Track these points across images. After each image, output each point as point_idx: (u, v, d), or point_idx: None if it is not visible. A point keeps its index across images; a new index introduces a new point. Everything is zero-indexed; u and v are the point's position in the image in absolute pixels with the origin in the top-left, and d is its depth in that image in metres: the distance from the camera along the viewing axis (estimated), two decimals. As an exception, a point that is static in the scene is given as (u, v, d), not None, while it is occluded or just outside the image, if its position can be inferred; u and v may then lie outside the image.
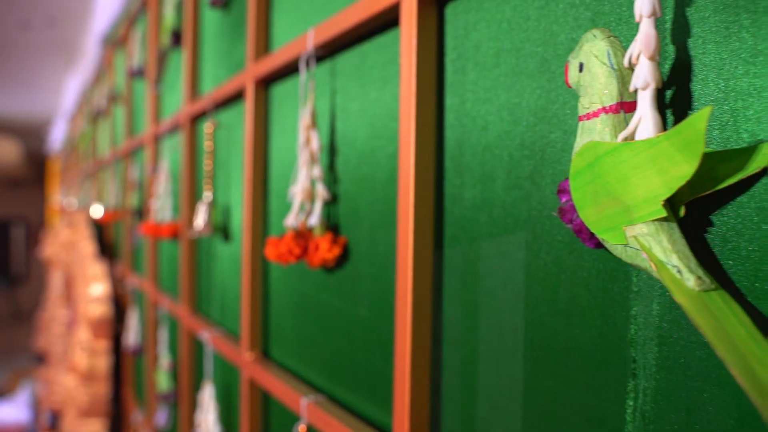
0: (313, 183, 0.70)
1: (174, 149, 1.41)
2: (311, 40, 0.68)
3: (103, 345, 1.97)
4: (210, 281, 1.15)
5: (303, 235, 0.68)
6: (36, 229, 8.29)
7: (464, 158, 0.51)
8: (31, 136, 6.55)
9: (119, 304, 2.09)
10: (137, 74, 1.74)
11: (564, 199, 0.38)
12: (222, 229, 1.04)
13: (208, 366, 1.03)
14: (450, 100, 0.53)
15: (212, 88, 1.10)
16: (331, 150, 0.71)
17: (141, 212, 1.77)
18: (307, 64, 0.71)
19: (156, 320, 1.56)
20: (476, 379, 0.50)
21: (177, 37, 1.36)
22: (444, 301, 0.53)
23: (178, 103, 1.40)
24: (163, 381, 1.39)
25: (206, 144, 1.04)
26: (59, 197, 5.36)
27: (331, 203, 0.71)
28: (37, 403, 3.92)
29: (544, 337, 0.43)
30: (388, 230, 0.60)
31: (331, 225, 0.70)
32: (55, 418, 2.60)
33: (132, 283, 1.86)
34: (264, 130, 0.88)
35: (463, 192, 0.51)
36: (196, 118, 1.22)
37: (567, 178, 0.38)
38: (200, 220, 1.03)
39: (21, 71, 4.17)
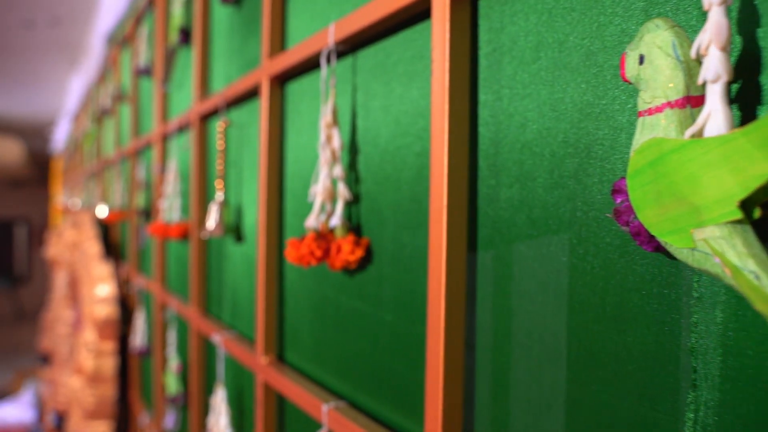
0: (334, 182, 0.68)
1: (183, 148, 1.39)
2: (332, 35, 0.66)
3: (109, 346, 1.95)
4: (221, 283, 1.13)
5: (324, 236, 0.66)
6: (39, 229, 8.28)
7: (500, 157, 0.49)
8: (34, 136, 6.53)
9: (125, 305, 2.07)
10: (144, 73, 1.72)
11: (619, 200, 0.36)
12: (234, 230, 1.02)
13: (220, 369, 1.01)
14: (484, 96, 0.51)
15: (224, 86, 1.08)
16: (352, 148, 0.69)
17: (148, 212, 1.75)
18: (328, 60, 0.69)
19: (164, 322, 1.53)
20: (513, 387, 0.48)
21: (186, 35, 1.34)
22: (477, 306, 0.51)
23: (186, 102, 1.38)
24: (171, 383, 1.37)
25: (218, 143, 1.02)
26: (62, 197, 5.34)
27: (352, 203, 0.69)
28: (41, 404, 3.91)
29: (591, 344, 0.41)
30: (416, 232, 0.58)
31: (353, 226, 0.68)
32: (61, 420, 2.58)
33: (138, 284, 1.84)
34: (279, 129, 0.86)
35: (499, 192, 0.49)
36: (206, 117, 1.19)
37: (623, 177, 0.36)
38: (212, 220, 1.01)
39: (24, 71, 4.15)
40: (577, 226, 0.42)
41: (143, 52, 1.73)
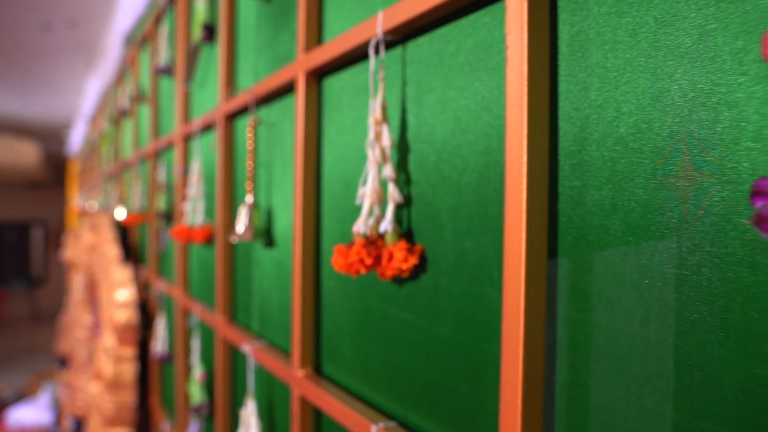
0: (383, 184, 0.63)
1: (210, 149, 1.34)
2: (381, 24, 0.61)
3: (129, 352, 1.91)
4: (249, 289, 1.08)
5: (373, 242, 0.60)
6: (55, 231, 8.32)
7: (586, 155, 0.43)
8: (50, 138, 6.55)
9: (145, 310, 2.04)
10: (164, 72, 1.68)
11: (760, 203, 0.30)
12: (264, 234, 0.97)
13: (250, 381, 0.96)
14: (565, 87, 0.45)
15: (253, 84, 1.03)
16: (403, 147, 0.63)
17: (169, 215, 1.70)
18: (376, 51, 0.63)
19: (187, 328, 1.49)
20: (603, 417, 0.42)
21: (210, 32, 1.30)
22: (558, 323, 0.45)
23: (209, 101, 1.33)
24: (195, 393, 1.32)
25: (248, 143, 0.97)
26: (79, 199, 5.34)
27: (402, 207, 0.63)
28: (59, 406, 3.90)
29: (709, 372, 0.35)
30: (479, 239, 0.52)
31: (403, 231, 0.63)
32: (79, 425, 2.55)
33: (159, 289, 1.80)
34: (316, 127, 0.81)
35: (585, 194, 0.43)
36: (233, 116, 1.15)
37: (765, 178, 0.30)
38: (242, 224, 0.96)
39: (41, 73, 4.14)
40: (689, 233, 0.37)
41: (163, 50, 1.69)
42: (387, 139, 0.60)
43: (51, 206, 8.26)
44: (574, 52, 0.44)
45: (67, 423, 2.98)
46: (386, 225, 0.60)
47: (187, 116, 1.51)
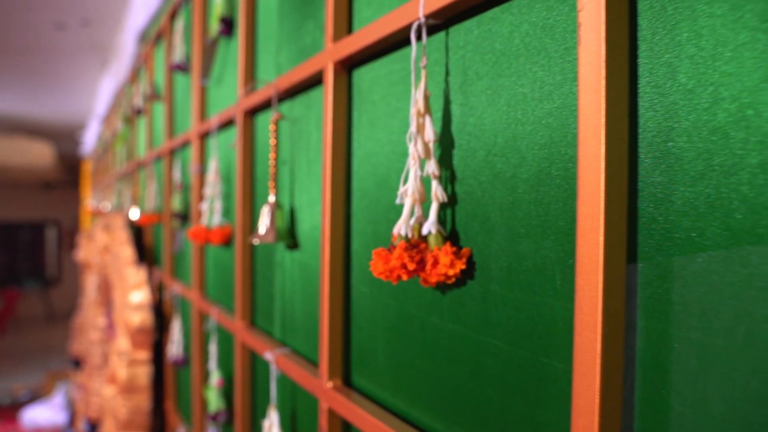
0: (425, 182, 0.57)
1: (230, 146, 1.29)
2: (422, 7, 0.56)
3: (144, 355, 1.87)
4: (270, 294, 1.03)
5: (416, 245, 0.55)
6: (69, 231, 8.35)
7: (673, 147, 0.38)
8: (64, 139, 6.56)
9: (160, 312, 2.00)
10: (179, 69, 1.63)
11: None
12: (287, 235, 0.92)
13: (273, 390, 0.91)
14: (647, 69, 0.39)
15: (274, 78, 0.98)
16: (446, 141, 0.58)
17: (184, 215, 1.66)
18: (418, 37, 0.58)
19: (203, 333, 1.45)
20: (697, 447, 0.36)
21: (228, 25, 1.25)
22: (638, 339, 0.40)
23: (226, 97, 1.29)
24: (212, 399, 1.27)
25: (271, 140, 0.92)
26: (92, 200, 5.34)
27: (445, 207, 0.58)
28: (73, 406, 3.88)
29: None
30: (539, 241, 0.47)
31: (448, 234, 0.57)
32: (93, 428, 2.52)
33: (174, 291, 1.76)
34: (346, 121, 0.76)
35: (673, 192, 0.38)
36: (253, 112, 1.10)
37: None
38: (264, 225, 0.91)
39: (55, 73, 4.14)
40: (812, 238, 0.31)
41: (179, 46, 1.65)
42: (430, 133, 0.55)
43: (65, 207, 8.30)
44: (658, 28, 0.39)
45: (81, 425, 2.96)
46: (430, 226, 0.55)
47: (203, 113, 1.46)
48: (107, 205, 3.88)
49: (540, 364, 0.47)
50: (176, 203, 1.68)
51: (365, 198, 0.73)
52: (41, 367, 5.62)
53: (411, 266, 0.53)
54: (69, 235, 8.30)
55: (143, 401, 1.88)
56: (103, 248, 2.72)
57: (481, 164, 0.53)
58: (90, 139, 5.41)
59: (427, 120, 0.55)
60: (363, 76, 0.74)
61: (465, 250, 0.54)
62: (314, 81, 0.84)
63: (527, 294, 0.48)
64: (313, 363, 0.85)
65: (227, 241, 1.25)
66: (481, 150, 0.53)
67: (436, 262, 0.53)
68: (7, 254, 8.29)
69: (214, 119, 1.27)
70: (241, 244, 1.11)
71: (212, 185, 1.28)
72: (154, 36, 2.11)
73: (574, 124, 0.44)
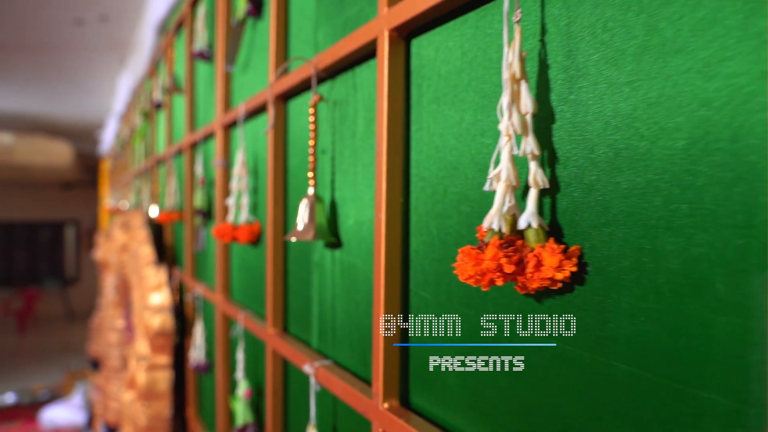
0: (519, 163, 0.46)
1: (264, 132, 1.19)
2: (515, -55, 0.45)
3: (164, 360, 1.78)
4: (306, 298, 0.93)
5: (511, 242, 0.44)
6: (88, 230, 8.35)
7: None
8: (83, 138, 6.54)
9: (181, 314, 1.90)
10: (201, 57, 1.54)
11: None
12: (328, 232, 0.82)
13: (313, 409, 0.81)
14: None
15: (314, 56, 0.87)
16: (544, 113, 0.47)
17: (207, 212, 1.56)
18: (509, -16, 0.47)
19: (227, 338, 1.35)
20: None
21: (256, 5, 1.15)
22: None
23: (254, 84, 1.18)
24: (240, 411, 1.17)
25: (310, 125, 0.81)
26: (110, 198, 5.29)
27: (543, 195, 0.47)
28: (91, 407, 3.82)
29: None
30: (691, 236, 0.36)
31: (546, 227, 0.46)
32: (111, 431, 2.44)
33: (196, 293, 1.66)
34: (404, 98, 0.65)
35: None
36: (286, 97, 0.99)
37: None
38: (302, 220, 0.81)
39: (74, 70, 4.09)
40: None
41: (201, 33, 1.55)
42: (528, 102, 0.44)
43: (84, 206, 8.29)
44: None
45: (100, 428, 2.89)
46: (529, 218, 0.44)
47: (228, 103, 1.36)
48: (126, 204, 3.81)
49: (690, 396, 0.36)
50: (198, 199, 1.58)
51: (428, 188, 0.62)
52: (60, 367, 5.59)
53: (509, 268, 0.42)
54: (88, 235, 8.30)
55: (163, 408, 1.78)
56: (122, 247, 2.64)
57: (596, 140, 0.42)
58: (108, 138, 5.37)
59: (524, 87, 0.44)
60: (425, 45, 0.63)
61: (574, 249, 0.43)
62: (362, 56, 0.74)
63: (669, 304, 0.37)
64: (362, 379, 0.74)
65: (256, 240, 1.15)
66: (597, 122, 0.42)
67: (539, 264, 0.42)
68: (27, 254, 8.31)
69: (241, 107, 1.17)
70: (272, 243, 1.01)
71: (239, 179, 1.17)
72: (174, 26, 2.02)
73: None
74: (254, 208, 1.18)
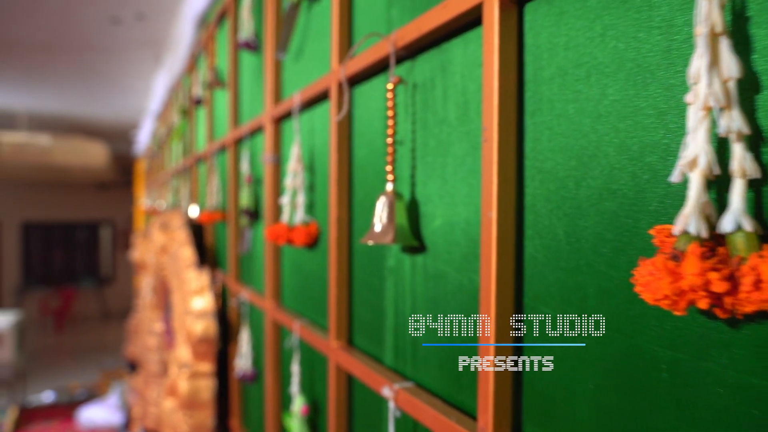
0: (713, 143, 0.35)
1: (308, 129, 1.10)
2: None
3: (207, 367, 1.70)
4: (379, 308, 0.82)
5: (712, 249, 0.33)
6: (123, 231, 8.43)
7: None
8: (119, 139, 6.58)
9: (224, 319, 1.83)
10: (248, 47, 1.45)
11: None
12: (410, 235, 0.71)
13: (391, 434, 0.71)
14: None
15: (393, 31, 0.77)
16: (749, 81, 0.35)
17: (255, 212, 1.48)
18: None
19: (278, 347, 1.25)
20: None
21: (313, -14, 1.05)
22: None
23: (308, 73, 1.09)
24: (295, 429, 1.08)
25: (389, 111, 0.71)
26: (146, 199, 5.29)
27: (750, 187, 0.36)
28: (128, 408, 3.80)
29: None
30: None
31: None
32: (150, 439, 2.38)
33: (242, 298, 1.58)
34: (516, 73, 0.54)
35: None
36: (353, 82, 0.89)
37: None
38: (380, 221, 0.71)
39: (110, 70, 4.08)
40: None
41: (247, 22, 1.47)
42: (732, 66, 0.33)
43: (119, 207, 8.37)
44: None
45: (137, 429, 2.84)
46: (737, 217, 0.33)
47: (278, 94, 1.27)
48: (162, 204, 3.78)
49: None
50: (244, 198, 1.49)
51: (550, 182, 0.51)
52: (96, 365, 5.62)
53: (719, 286, 0.31)
54: (123, 235, 8.38)
55: (206, 418, 1.71)
56: (160, 248, 2.59)
57: (843, 111, 0.31)
58: (143, 139, 5.37)
59: (725, 44, 0.33)
60: (543, 10, 0.52)
61: (808, 260, 0.32)
62: (456, 27, 0.63)
63: None
64: (459, 407, 0.63)
65: (313, 242, 1.06)
66: (844, 87, 0.31)
67: (759, 281, 0.31)
68: (64, 254, 8.42)
69: (296, 97, 1.07)
70: (335, 246, 0.91)
71: (294, 175, 1.08)
72: (216, 17, 1.95)
73: None
74: (310, 207, 1.08)
